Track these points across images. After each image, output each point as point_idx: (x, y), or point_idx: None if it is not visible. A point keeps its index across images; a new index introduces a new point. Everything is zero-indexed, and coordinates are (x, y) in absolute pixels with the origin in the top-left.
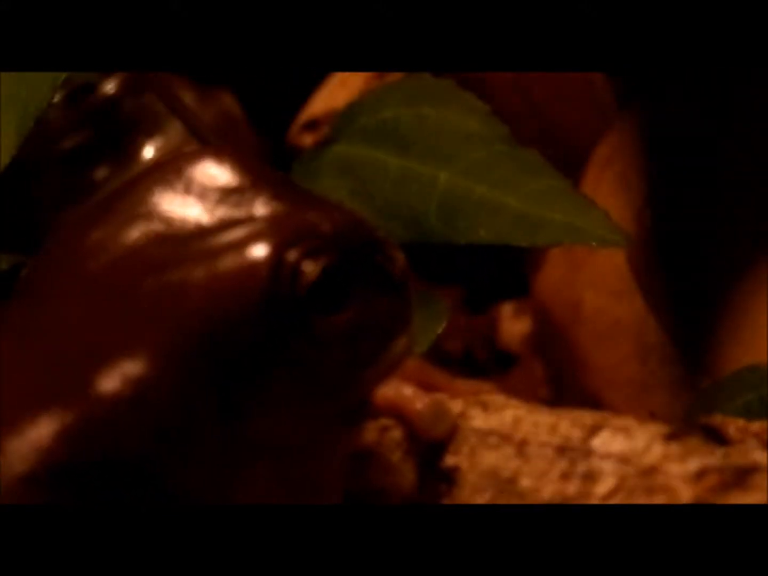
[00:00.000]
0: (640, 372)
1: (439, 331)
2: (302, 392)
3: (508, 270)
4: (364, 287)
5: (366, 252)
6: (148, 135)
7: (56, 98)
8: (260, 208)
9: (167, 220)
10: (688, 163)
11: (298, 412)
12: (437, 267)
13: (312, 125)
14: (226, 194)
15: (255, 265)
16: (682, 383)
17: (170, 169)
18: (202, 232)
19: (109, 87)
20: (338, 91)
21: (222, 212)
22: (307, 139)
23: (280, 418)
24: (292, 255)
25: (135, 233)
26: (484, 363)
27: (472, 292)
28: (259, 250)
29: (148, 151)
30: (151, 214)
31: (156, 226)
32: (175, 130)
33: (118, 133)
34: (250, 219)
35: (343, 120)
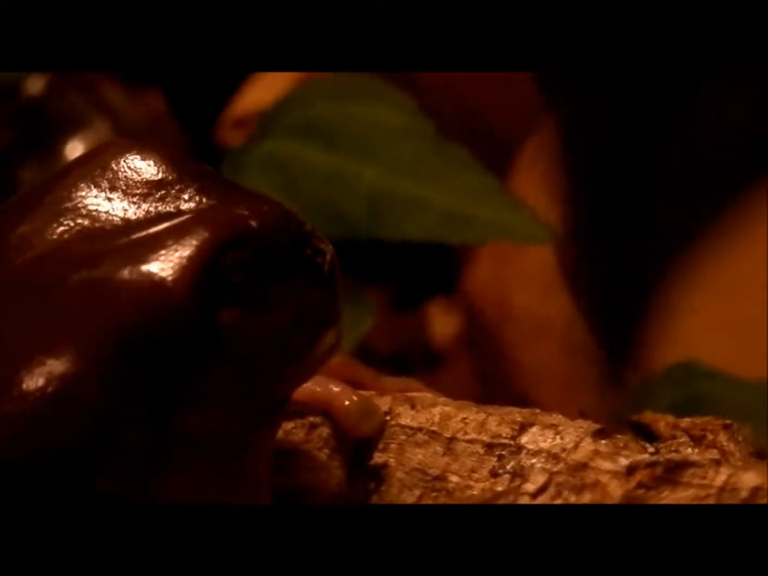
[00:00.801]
0: (567, 370)
1: (367, 329)
2: (230, 388)
3: (437, 268)
4: (293, 280)
5: (294, 245)
6: (74, 134)
7: None
8: (187, 202)
9: (92, 215)
10: (613, 161)
11: (225, 408)
12: (365, 266)
13: (239, 123)
14: (152, 188)
15: (182, 262)
16: (610, 381)
17: (94, 164)
18: (127, 228)
19: (35, 86)
20: (265, 88)
21: (148, 206)
22: (235, 138)
23: (208, 415)
24: (219, 250)
25: (59, 229)
26: (414, 363)
27: (401, 291)
28: (186, 246)
29: (75, 150)
30: (75, 209)
31: (81, 222)
32: (102, 128)
33: (44, 133)
34: (177, 213)
35: (270, 118)
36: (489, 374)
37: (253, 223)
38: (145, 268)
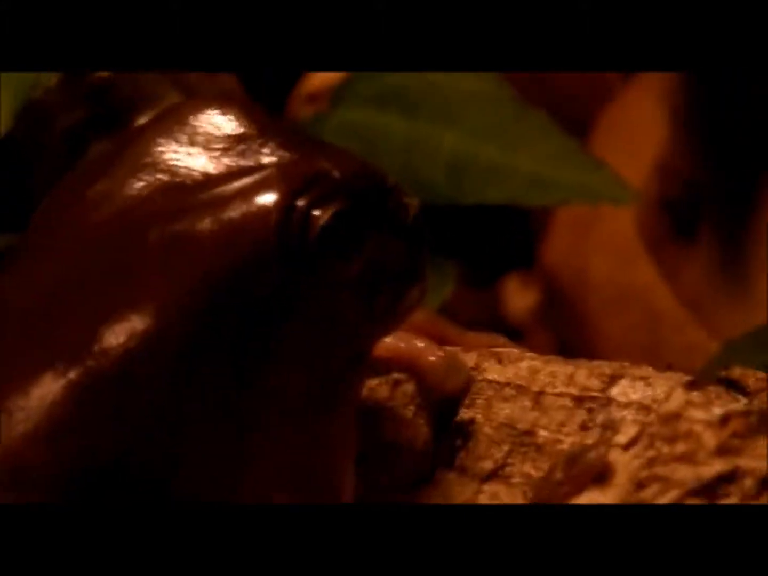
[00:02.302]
0: (650, 338)
1: (447, 295)
2: (314, 343)
3: (514, 241)
4: (377, 234)
5: (377, 198)
6: (144, 113)
7: (53, 79)
8: (268, 156)
9: (173, 170)
10: (699, 129)
11: (307, 363)
12: (444, 239)
13: (312, 98)
14: (232, 143)
15: (265, 213)
16: (695, 348)
17: (174, 119)
18: (208, 182)
19: None
20: None
21: (229, 161)
22: (308, 113)
23: (290, 370)
24: (302, 202)
25: (139, 184)
26: None
27: (479, 264)
28: (269, 198)
29: None
30: (155, 164)
31: (161, 176)
32: None
33: (115, 112)
34: (259, 167)
35: (346, 87)
36: (569, 346)
37: (335, 176)
38: (226, 221)
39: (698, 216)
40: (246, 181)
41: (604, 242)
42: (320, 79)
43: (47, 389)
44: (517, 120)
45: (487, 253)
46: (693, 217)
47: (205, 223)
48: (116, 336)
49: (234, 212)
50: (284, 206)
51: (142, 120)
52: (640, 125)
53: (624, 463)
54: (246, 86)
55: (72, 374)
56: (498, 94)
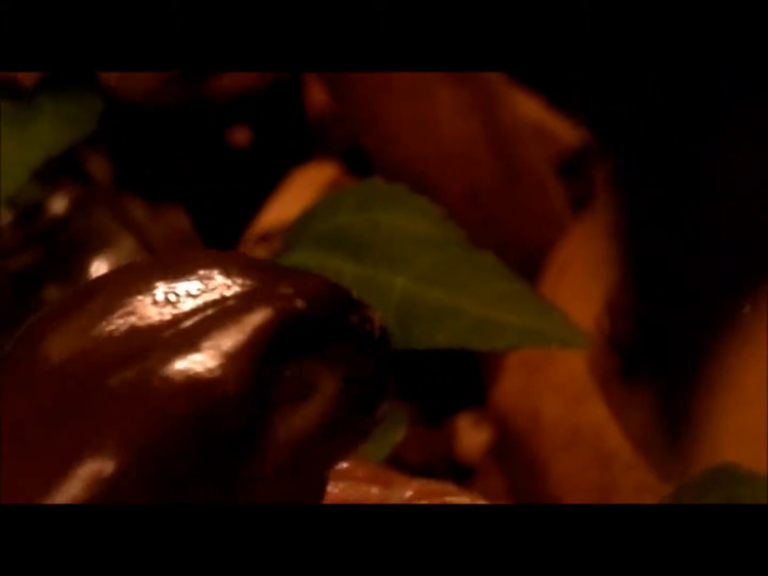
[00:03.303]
0: (602, 478)
1: (399, 439)
2: (280, 470)
3: (465, 380)
4: (343, 352)
5: (341, 316)
6: (97, 252)
7: (4, 218)
8: (230, 287)
9: (134, 313)
10: (647, 269)
11: (274, 491)
12: (394, 380)
13: (263, 239)
14: (192, 285)
15: (229, 352)
16: (647, 488)
17: (133, 271)
18: (173, 319)
19: (58, 205)
20: (289, 202)
21: (190, 302)
22: (260, 252)
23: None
24: (268, 337)
25: (101, 329)
26: (443, 476)
27: (430, 404)
28: (233, 334)
29: (98, 268)
30: (119, 308)
31: (123, 320)
32: (125, 246)
33: (67, 251)
34: (221, 299)
35: (296, 229)
36: (520, 486)
37: (299, 303)
38: (191, 361)
39: (647, 355)
40: (209, 315)
41: (556, 382)
42: (271, 220)
43: None
44: (464, 262)
45: (438, 391)
46: (642, 356)
47: (169, 365)
48: (80, 484)
49: (197, 352)
50: (250, 344)
51: (96, 261)
52: (590, 263)
53: None
54: (197, 225)
55: None
56: (446, 236)
